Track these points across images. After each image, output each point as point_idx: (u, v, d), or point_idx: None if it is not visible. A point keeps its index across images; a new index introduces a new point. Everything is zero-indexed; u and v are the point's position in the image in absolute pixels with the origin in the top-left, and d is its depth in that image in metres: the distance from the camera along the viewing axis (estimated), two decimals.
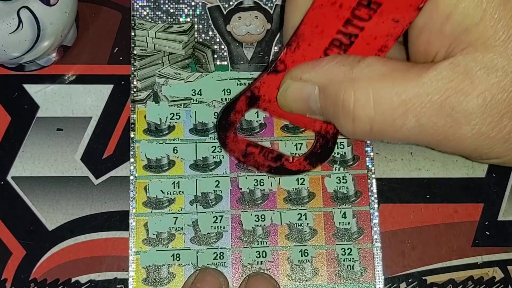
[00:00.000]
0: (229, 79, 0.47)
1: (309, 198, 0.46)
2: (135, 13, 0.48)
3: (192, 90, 0.47)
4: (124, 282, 0.46)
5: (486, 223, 0.47)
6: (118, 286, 0.46)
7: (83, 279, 0.46)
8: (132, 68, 0.47)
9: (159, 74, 0.47)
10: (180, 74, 0.47)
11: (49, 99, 0.48)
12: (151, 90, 0.47)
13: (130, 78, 0.47)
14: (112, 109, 0.48)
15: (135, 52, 0.47)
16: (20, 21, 0.41)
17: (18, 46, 0.42)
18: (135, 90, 0.47)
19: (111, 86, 0.49)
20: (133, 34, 0.48)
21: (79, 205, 0.47)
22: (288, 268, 0.45)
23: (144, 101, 0.47)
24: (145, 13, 0.48)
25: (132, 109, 0.47)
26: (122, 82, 0.49)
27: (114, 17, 0.50)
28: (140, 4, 0.48)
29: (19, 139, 0.48)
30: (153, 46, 0.48)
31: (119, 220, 0.46)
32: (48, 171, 0.47)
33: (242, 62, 0.48)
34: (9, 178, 0.47)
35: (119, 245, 0.46)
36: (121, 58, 0.49)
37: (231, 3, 0.48)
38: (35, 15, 0.42)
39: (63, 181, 0.47)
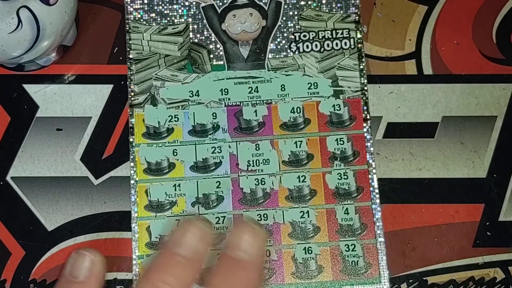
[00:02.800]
0: (226, 78, 0.47)
1: (311, 195, 0.45)
2: (129, 16, 0.48)
3: (190, 92, 0.47)
4: (124, 282, 0.45)
5: (487, 223, 0.47)
6: (118, 286, 0.45)
7: None
8: (129, 72, 0.47)
9: (156, 77, 0.47)
10: (177, 76, 0.47)
11: (48, 99, 0.48)
12: (148, 94, 0.47)
13: (127, 83, 0.47)
14: (112, 109, 0.48)
15: (131, 56, 0.47)
16: (19, 20, 0.41)
17: (18, 45, 0.42)
18: (132, 94, 0.47)
19: (111, 86, 0.48)
20: (128, 38, 0.47)
21: (78, 206, 0.47)
22: (293, 266, 0.44)
23: (142, 105, 0.47)
24: (139, 16, 0.48)
25: (130, 113, 0.47)
26: (122, 82, 0.48)
27: (114, 17, 0.50)
28: (134, 7, 0.48)
29: (18, 139, 0.47)
30: (149, 49, 0.47)
31: (119, 221, 0.46)
32: (48, 171, 0.47)
33: (238, 61, 0.47)
34: (8, 178, 0.47)
35: (119, 245, 0.46)
36: (121, 58, 0.49)
37: (225, 1, 0.48)
38: (34, 14, 0.42)
39: (62, 181, 0.47)
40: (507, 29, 0.50)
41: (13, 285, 0.45)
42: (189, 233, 0.37)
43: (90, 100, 0.48)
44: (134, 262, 0.44)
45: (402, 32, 0.50)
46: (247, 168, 0.46)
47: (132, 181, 0.46)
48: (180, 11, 0.48)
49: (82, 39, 0.49)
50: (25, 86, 0.48)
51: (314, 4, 0.48)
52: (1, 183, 0.47)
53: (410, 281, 0.46)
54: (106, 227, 0.46)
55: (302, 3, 0.48)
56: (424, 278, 0.46)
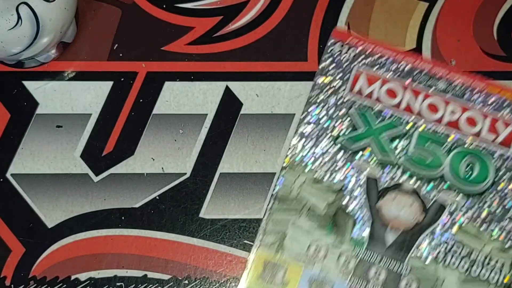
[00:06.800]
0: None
1: None
2: (292, 153, 0.45)
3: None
4: (124, 279, 0.45)
5: None
6: (117, 283, 0.45)
7: (82, 276, 0.45)
8: (268, 209, 0.44)
9: (293, 223, 0.44)
10: (313, 231, 0.43)
11: (48, 96, 0.48)
12: (279, 236, 0.44)
13: (263, 217, 0.44)
14: (112, 106, 0.48)
15: (277, 193, 0.44)
16: (19, 17, 0.41)
17: (18, 42, 0.42)
18: (262, 231, 0.44)
19: (111, 82, 0.48)
20: (281, 175, 0.45)
21: (78, 203, 0.47)
22: None
23: (269, 246, 0.43)
24: (301, 156, 0.45)
25: (254, 250, 0.44)
26: (122, 79, 0.48)
27: (114, 13, 0.50)
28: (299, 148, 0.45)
29: (18, 136, 0.47)
30: (296, 193, 0.44)
31: (119, 218, 0.46)
32: (48, 168, 0.47)
33: (379, 244, 0.43)
34: (8, 175, 0.47)
35: (119, 242, 0.46)
36: (121, 55, 0.49)
37: (391, 179, 0.44)
38: (34, 11, 0.42)
39: (62, 178, 0.47)
40: (508, 26, 0.50)
41: (13, 282, 0.45)
42: None
43: (90, 97, 0.48)
44: None
45: (403, 29, 0.50)
46: None
47: None
48: (342, 171, 0.45)
49: (82, 35, 0.49)
50: (25, 83, 0.48)
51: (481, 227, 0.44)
52: (1, 180, 0.47)
53: None
54: (106, 224, 0.46)
55: (468, 218, 0.44)
56: None
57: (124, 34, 0.49)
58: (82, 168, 0.47)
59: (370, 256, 0.43)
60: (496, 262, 0.43)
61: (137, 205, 0.47)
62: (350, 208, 0.44)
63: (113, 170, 0.47)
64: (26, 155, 0.47)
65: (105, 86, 0.48)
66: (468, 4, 0.50)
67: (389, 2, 0.50)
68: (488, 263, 0.43)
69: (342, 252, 0.43)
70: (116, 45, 0.49)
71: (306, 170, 0.45)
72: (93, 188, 0.47)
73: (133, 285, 0.45)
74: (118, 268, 0.46)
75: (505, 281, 0.42)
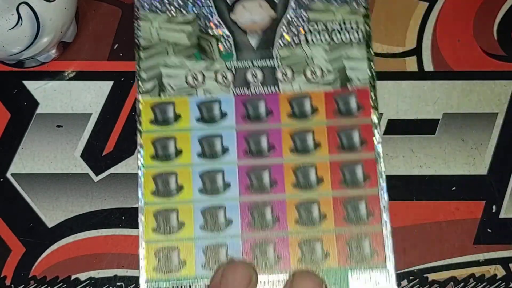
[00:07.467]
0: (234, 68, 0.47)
1: (318, 183, 0.45)
2: (139, 2, 0.48)
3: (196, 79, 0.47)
4: (124, 279, 0.45)
5: (488, 220, 0.47)
6: (118, 283, 0.45)
7: (82, 276, 0.45)
8: (137, 59, 0.47)
9: (164, 64, 0.47)
10: (185, 64, 0.47)
11: (48, 95, 0.48)
12: (156, 80, 0.47)
13: (136, 69, 0.47)
14: (112, 105, 0.48)
15: (139, 43, 0.47)
16: (19, 17, 0.41)
17: (18, 42, 0.42)
18: (140, 81, 0.47)
19: (111, 82, 0.48)
20: (136, 25, 0.47)
21: (79, 202, 0.47)
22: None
23: (150, 92, 0.47)
24: (148, 3, 0.48)
25: (139, 100, 0.46)
26: (122, 79, 0.48)
27: (114, 13, 0.49)
28: None
29: (18, 136, 0.47)
30: (158, 37, 0.47)
31: (119, 218, 0.46)
32: (48, 168, 0.47)
33: (247, 50, 0.47)
34: (8, 175, 0.47)
35: (119, 242, 0.46)
36: (121, 55, 0.49)
37: None
38: (34, 11, 0.42)
39: (63, 178, 0.47)
40: (508, 25, 0.50)
41: (13, 282, 0.45)
42: (238, 279, 0.39)
43: (90, 96, 0.48)
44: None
45: (403, 28, 0.50)
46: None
47: (140, 169, 0.45)
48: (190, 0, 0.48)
49: (82, 35, 0.49)
50: (25, 82, 0.48)
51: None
52: (1, 179, 0.47)
53: (411, 278, 0.46)
54: (107, 224, 0.46)
55: None
56: (424, 275, 0.46)
57: (124, 34, 0.49)
58: (82, 168, 0.47)
59: (243, 64, 0.47)
60: (351, 23, 0.48)
61: (137, 205, 0.47)
62: (210, 31, 0.48)
63: (113, 170, 0.47)
64: (26, 155, 0.47)
65: (105, 86, 0.48)
66: (468, 4, 0.50)
67: (389, 2, 0.50)
68: (345, 28, 0.47)
69: (217, 71, 0.47)
70: (116, 45, 0.49)
71: (157, 14, 0.48)
72: (93, 188, 0.47)
73: (133, 285, 0.45)
74: (118, 268, 0.46)
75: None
